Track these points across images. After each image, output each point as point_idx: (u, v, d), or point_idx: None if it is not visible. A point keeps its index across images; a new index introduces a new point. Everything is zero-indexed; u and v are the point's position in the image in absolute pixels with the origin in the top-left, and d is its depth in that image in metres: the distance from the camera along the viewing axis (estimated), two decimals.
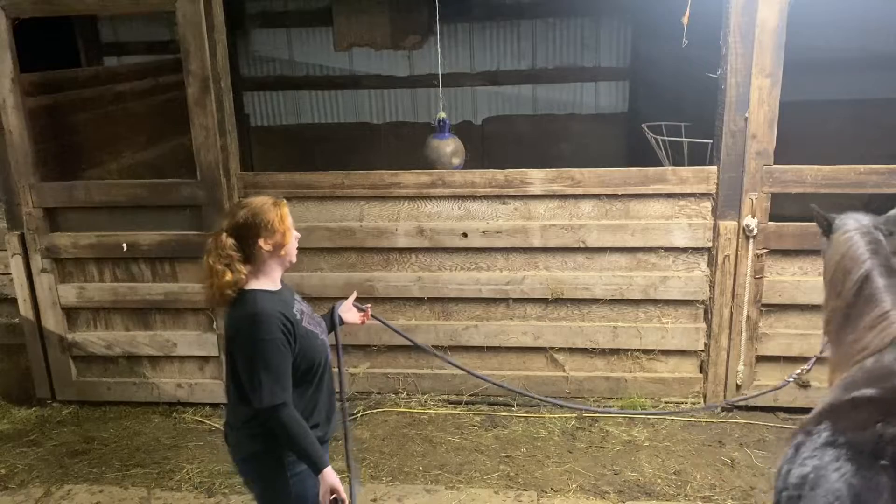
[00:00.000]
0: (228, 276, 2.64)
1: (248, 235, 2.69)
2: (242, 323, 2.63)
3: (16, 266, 5.18)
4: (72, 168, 5.54)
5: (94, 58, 8.74)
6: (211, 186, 4.91)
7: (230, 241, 2.67)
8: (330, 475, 2.70)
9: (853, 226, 2.96)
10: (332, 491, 2.71)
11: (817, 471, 2.32)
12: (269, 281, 2.77)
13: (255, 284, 2.73)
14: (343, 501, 2.75)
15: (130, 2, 4.84)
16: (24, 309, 5.26)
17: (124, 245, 5.05)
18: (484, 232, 4.91)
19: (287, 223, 2.77)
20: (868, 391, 2.48)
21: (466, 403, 5.19)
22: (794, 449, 2.51)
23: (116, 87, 6.48)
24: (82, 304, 5.24)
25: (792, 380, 3.79)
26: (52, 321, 5.27)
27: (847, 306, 2.82)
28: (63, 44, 8.35)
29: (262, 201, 2.75)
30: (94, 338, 5.31)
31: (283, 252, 2.76)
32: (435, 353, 4.44)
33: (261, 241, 2.69)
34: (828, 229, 3.05)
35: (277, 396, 2.61)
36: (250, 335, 2.60)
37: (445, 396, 5.22)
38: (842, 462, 2.24)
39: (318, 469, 2.70)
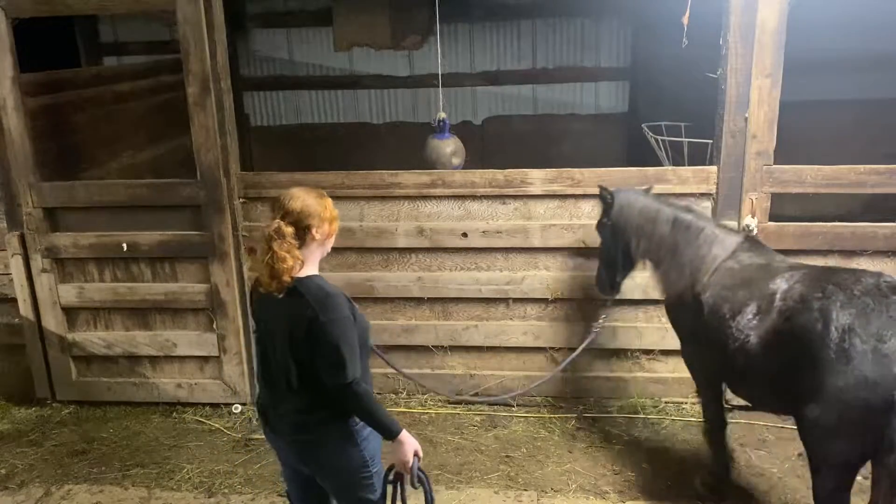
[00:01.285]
0: (289, 262, 2.73)
1: (303, 225, 2.79)
2: (319, 306, 2.71)
3: (16, 266, 5.18)
4: (72, 168, 5.54)
5: (94, 58, 8.74)
6: (211, 186, 4.91)
7: (290, 230, 2.76)
8: (408, 437, 2.82)
9: (636, 193, 4.16)
10: (415, 452, 2.82)
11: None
12: (313, 268, 2.88)
13: (305, 271, 2.82)
14: (420, 460, 2.84)
15: (130, 2, 4.84)
16: (24, 309, 5.26)
17: (124, 245, 5.06)
18: (484, 232, 4.91)
19: (334, 214, 2.90)
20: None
21: (466, 403, 5.19)
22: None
23: (116, 87, 6.48)
24: (82, 304, 5.24)
25: (595, 332, 4.61)
26: (52, 321, 5.27)
27: (664, 241, 3.93)
28: (63, 44, 8.35)
29: (310, 192, 2.85)
30: (94, 338, 5.31)
31: (328, 242, 2.90)
32: (378, 354, 4.47)
33: (313, 231, 2.81)
34: (612, 200, 4.11)
35: (357, 370, 2.75)
36: (330, 316, 2.70)
37: (446, 396, 5.22)
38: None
39: (394, 434, 2.80)
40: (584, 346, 4.67)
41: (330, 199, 2.90)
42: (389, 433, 2.80)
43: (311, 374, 2.78)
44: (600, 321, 4.59)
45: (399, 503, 2.94)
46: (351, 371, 2.71)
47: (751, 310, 3.39)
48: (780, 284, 3.34)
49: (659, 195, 4.32)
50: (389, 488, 2.94)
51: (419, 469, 2.82)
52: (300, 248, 2.79)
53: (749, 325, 3.38)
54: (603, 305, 4.62)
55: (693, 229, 3.88)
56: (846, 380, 2.91)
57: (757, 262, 3.64)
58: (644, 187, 4.37)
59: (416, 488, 2.85)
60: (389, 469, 2.92)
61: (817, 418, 3.03)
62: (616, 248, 4.18)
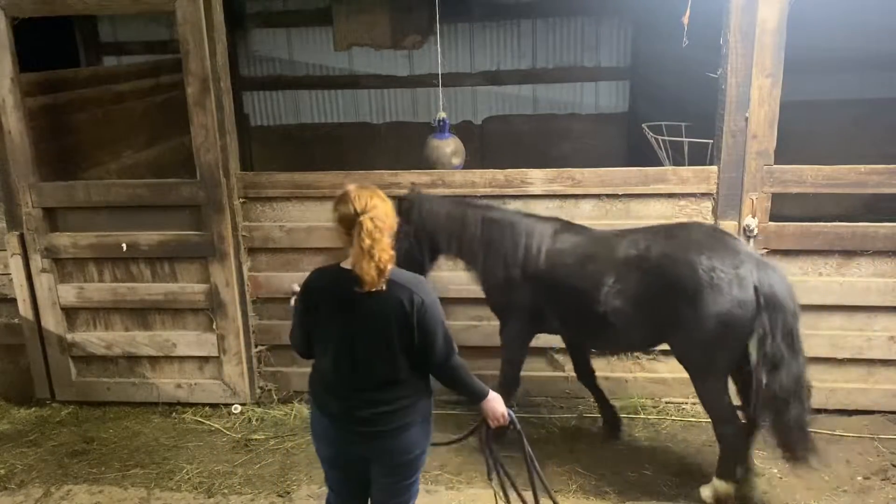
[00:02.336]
0: (390, 254, 2.83)
1: (388, 222, 2.90)
2: (420, 290, 2.87)
3: (15, 266, 5.18)
4: (72, 168, 5.54)
5: (94, 58, 8.74)
6: (211, 186, 4.91)
7: (381, 224, 2.85)
8: (496, 397, 3.08)
9: (437, 199, 4.47)
10: (501, 415, 3.08)
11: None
12: None
13: None
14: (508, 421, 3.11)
15: (130, 2, 4.83)
16: (24, 309, 5.26)
17: (124, 245, 5.05)
18: None
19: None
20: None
21: (467, 404, 5.18)
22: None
23: (116, 87, 6.48)
24: (82, 304, 5.24)
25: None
26: (52, 321, 5.27)
27: (476, 240, 4.27)
28: (63, 44, 8.35)
29: (369, 188, 2.93)
30: (93, 338, 5.30)
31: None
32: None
33: (391, 223, 2.93)
34: (414, 208, 4.33)
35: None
36: (431, 297, 2.90)
37: (447, 397, 5.21)
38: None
39: (486, 394, 3.06)
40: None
41: None
42: (482, 395, 3.06)
43: (415, 360, 2.91)
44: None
45: (489, 455, 3.27)
46: (454, 344, 2.96)
47: (609, 279, 3.90)
48: (629, 251, 3.90)
49: (457, 198, 4.60)
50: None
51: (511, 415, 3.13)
52: None
53: (612, 291, 3.89)
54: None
55: (505, 224, 4.26)
56: (721, 305, 3.63)
57: (582, 239, 4.14)
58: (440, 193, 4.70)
59: (516, 432, 3.19)
60: (480, 425, 3.19)
61: (702, 339, 3.71)
62: (421, 251, 4.39)
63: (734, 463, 3.96)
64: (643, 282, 3.83)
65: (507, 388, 4.45)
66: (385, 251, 2.78)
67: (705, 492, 4.10)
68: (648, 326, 3.92)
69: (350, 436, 2.99)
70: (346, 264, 2.93)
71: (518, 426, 3.19)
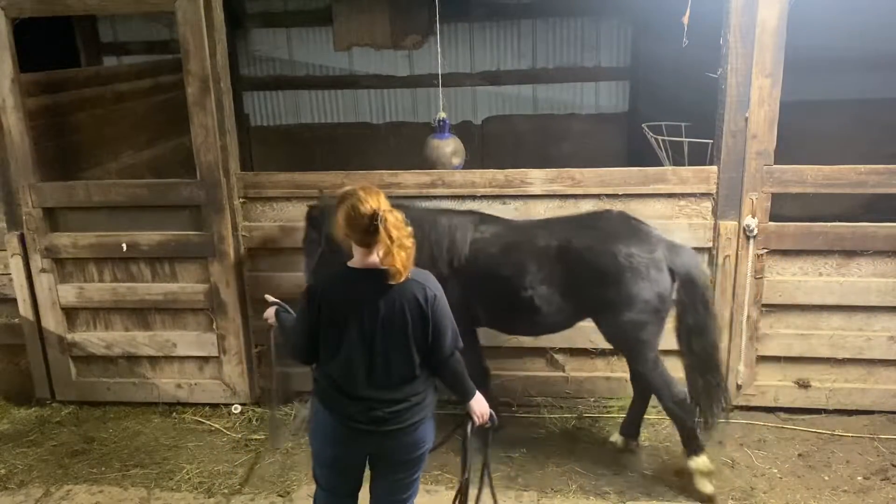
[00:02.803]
0: (413, 246, 2.89)
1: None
2: (431, 284, 2.97)
3: (15, 266, 5.18)
4: (72, 168, 5.54)
5: (94, 58, 8.73)
6: (211, 186, 4.91)
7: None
8: (481, 397, 3.20)
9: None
10: (486, 413, 3.18)
11: None
12: None
13: None
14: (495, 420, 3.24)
15: (130, 2, 4.83)
16: (24, 309, 5.26)
17: (124, 245, 5.05)
18: None
19: None
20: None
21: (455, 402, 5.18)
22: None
23: (116, 87, 6.48)
24: (82, 304, 5.24)
25: None
26: (52, 321, 5.27)
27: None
28: (63, 44, 8.34)
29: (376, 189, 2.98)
30: (93, 338, 5.31)
31: None
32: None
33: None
34: (323, 210, 4.32)
35: None
36: (439, 291, 2.98)
37: (446, 396, 5.21)
38: None
39: (474, 394, 3.17)
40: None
41: None
42: (473, 392, 3.17)
43: (425, 355, 2.98)
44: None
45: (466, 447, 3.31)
46: (460, 338, 3.04)
47: (533, 266, 4.10)
48: (550, 241, 4.13)
49: None
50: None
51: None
52: None
53: (537, 277, 4.10)
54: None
55: (426, 221, 4.27)
56: (641, 287, 3.95)
57: (503, 229, 4.31)
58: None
59: (497, 428, 3.31)
60: (464, 420, 3.25)
61: (631, 319, 4.01)
62: (338, 260, 4.34)
63: (692, 433, 4.14)
64: (567, 270, 4.07)
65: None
66: (411, 243, 2.85)
67: (701, 485, 4.13)
68: (572, 309, 4.19)
69: (362, 436, 3.00)
70: (355, 264, 2.95)
71: (496, 426, 3.29)
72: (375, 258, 2.88)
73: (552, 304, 4.14)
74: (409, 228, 2.89)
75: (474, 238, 4.27)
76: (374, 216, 2.82)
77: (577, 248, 4.06)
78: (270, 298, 3.48)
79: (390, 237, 2.79)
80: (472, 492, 3.50)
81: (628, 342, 4.16)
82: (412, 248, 2.87)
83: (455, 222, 4.34)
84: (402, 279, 2.84)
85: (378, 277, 2.88)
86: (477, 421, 3.21)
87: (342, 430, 3.01)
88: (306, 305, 2.98)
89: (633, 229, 4.09)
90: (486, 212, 4.59)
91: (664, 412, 4.33)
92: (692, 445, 4.15)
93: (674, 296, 4.02)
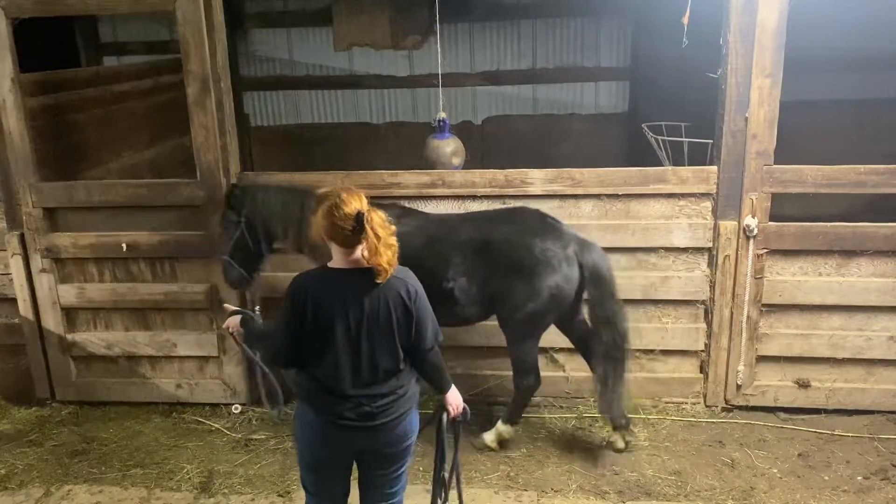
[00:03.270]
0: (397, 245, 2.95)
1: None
2: (413, 280, 3.03)
3: (16, 266, 5.18)
4: (72, 168, 5.54)
5: (94, 58, 8.74)
6: (211, 186, 4.91)
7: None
8: (455, 390, 3.28)
9: (266, 187, 4.62)
10: (460, 405, 3.28)
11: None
12: None
13: None
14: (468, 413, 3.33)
15: (130, 2, 4.83)
16: (24, 309, 5.26)
17: (124, 245, 5.05)
18: None
19: None
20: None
21: (467, 403, 5.17)
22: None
23: (116, 87, 6.48)
24: (82, 304, 5.24)
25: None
26: (52, 321, 5.27)
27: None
28: (63, 44, 8.35)
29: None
30: (93, 338, 5.31)
31: None
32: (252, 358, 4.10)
33: None
34: (246, 197, 4.46)
35: None
36: (420, 286, 3.04)
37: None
38: None
39: (450, 388, 3.26)
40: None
41: None
42: (450, 385, 3.26)
43: (408, 348, 3.02)
44: (256, 310, 4.55)
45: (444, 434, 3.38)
46: (439, 331, 3.11)
47: (456, 259, 4.27)
48: (471, 234, 4.32)
49: (291, 185, 4.68)
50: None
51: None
52: None
53: (459, 269, 4.26)
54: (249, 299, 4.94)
55: None
56: (553, 280, 4.20)
57: (426, 222, 4.46)
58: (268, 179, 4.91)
59: (468, 420, 3.37)
60: (439, 411, 3.34)
61: (535, 310, 4.24)
62: (255, 241, 4.50)
63: (521, 410, 4.62)
64: (486, 262, 4.27)
65: None
66: (395, 241, 2.90)
67: (489, 436, 4.63)
68: (486, 300, 4.37)
69: (351, 432, 3.01)
70: (336, 264, 2.96)
71: (468, 418, 3.38)
72: (357, 258, 2.91)
73: (469, 295, 4.31)
74: (393, 227, 2.93)
75: (398, 231, 4.27)
76: (358, 216, 2.84)
77: (497, 240, 4.26)
78: (230, 307, 3.47)
79: (377, 236, 2.83)
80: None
81: (524, 330, 4.36)
82: (397, 246, 2.91)
83: None
84: (387, 277, 2.88)
85: (362, 276, 2.90)
86: (452, 412, 3.29)
87: (331, 429, 3.01)
88: (290, 309, 2.96)
89: (547, 225, 4.33)
90: (408, 206, 4.73)
91: (514, 390, 4.57)
92: (514, 417, 4.62)
93: (582, 289, 4.32)
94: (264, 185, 4.72)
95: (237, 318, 3.45)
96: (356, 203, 2.87)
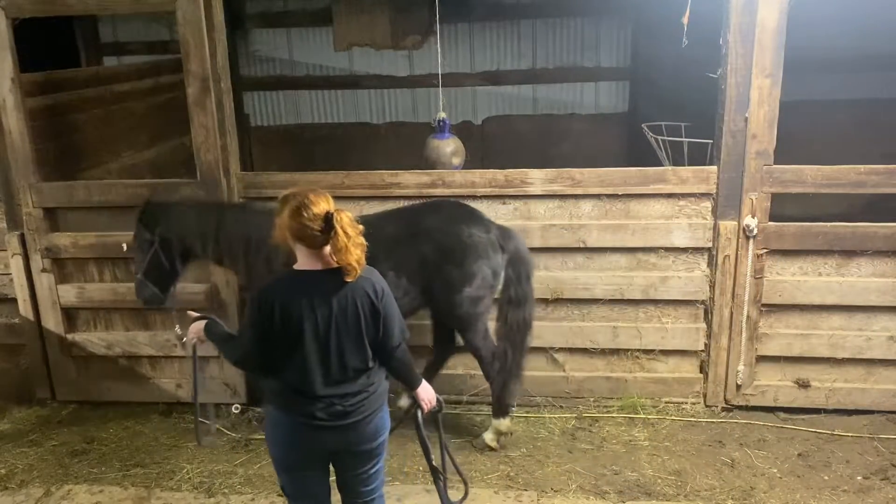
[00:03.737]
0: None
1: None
2: (379, 280, 3.06)
3: (16, 266, 5.18)
4: (72, 168, 5.54)
5: (94, 58, 8.73)
6: (211, 186, 4.91)
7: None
8: (427, 384, 3.33)
9: (180, 204, 4.65)
10: (432, 399, 3.33)
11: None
12: None
13: None
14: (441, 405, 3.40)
15: (130, 2, 4.83)
16: (24, 309, 5.26)
17: (124, 245, 5.04)
18: None
19: None
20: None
21: (467, 403, 5.19)
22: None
23: (116, 87, 6.48)
24: (82, 304, 5.24)
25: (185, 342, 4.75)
26: (52, 321, 5.27)
27: (238, 239, 4.43)
28: (63, 44, 8.34)
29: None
30: (94, 338, 5.31)
31: None
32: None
33: None
34: (161, 216, 4.46)
35: None
36: (385, 285, 3.08)
37: (445, 396, 5.21)
38: None
39: (420, 384, 3.30)
40: (195, 366, 4.24)
41: None
42: (419, 381, 3.30)
43: (376, 346, 3.04)
44: (178, 331, 4.71)
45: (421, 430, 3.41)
46: (406, 329, 3.16)
47: (381, 255, 4.16)
48: (399, 228, 4.39)
49: (206, 201, 4.79)
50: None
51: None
52: None
53: (385, 266, 4.18)
54: (167, 315, 4.88)
55: (264, 218, 4.24)
56: (481, 264, 4.35)
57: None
58: (180, 197, 4.85)
59: (442, 410, 3.44)
60: (412, 409, 3.39)
61: (469, 295, 4.37)
62: (170, 259, 4.48)
63: (507, 398, 4.59)
64: (416, 253, 4.36)
65: None
66: (363, 241, 2.92)
67: (488, 436, 4.66)
68: (417, 292, 4.44)
69: (325, 433, 3.01)
70: (302, 266, 2.96)
71: (443, 409, 3.46)
72: (324, 258, 2.91)
73: (399, 288, 4.33)
74: (361, 227, 2.93)
75: None
76: (327, 217, 2.84)
77: (426, 230, 4.37)
78: (193, 314, 3.44)
79: (347, 235, 2.84)
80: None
81: (464, 316, 4.46)
82: (365, 245, 2.93)
83: None
84: (356, 276, 2.90)
85: (330, 277, 2.91)
86: (425, 407, 3.33)
87: (304, 430, 3.01)
88: (258, 313, 2.94)
89: (471, 213, 4.51)
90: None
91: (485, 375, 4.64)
92: (502, 409, 4.61)
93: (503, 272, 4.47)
94: (178, 202, 4.72)
95: (201, 323, 3.37)
96: (324, 204, 2.87)
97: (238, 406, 5.27)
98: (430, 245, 4.35)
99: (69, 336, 5.31)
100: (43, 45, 6.47)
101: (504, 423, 4.64)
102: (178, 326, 4.61)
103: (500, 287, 4.49)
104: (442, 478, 3.55)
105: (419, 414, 3.36)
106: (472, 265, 4.35)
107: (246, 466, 4.60)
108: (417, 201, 4.84)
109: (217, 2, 4.72)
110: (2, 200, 5.17)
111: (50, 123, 5.35)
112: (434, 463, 3.49)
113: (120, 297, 5.18)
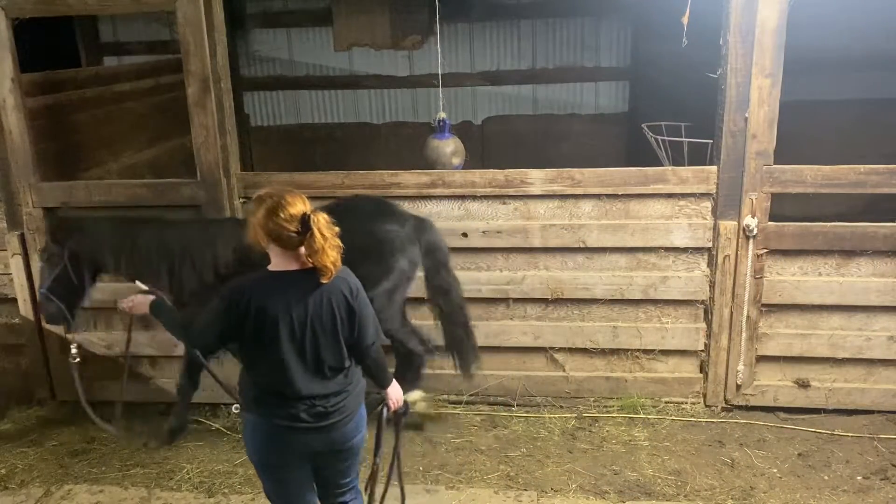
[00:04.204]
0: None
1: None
2: (353, 279, 3.08)
3: (16, 266, 5.18)
4: (72, 168, 5.54)
5: (94, 58, 8.73)
6: (211, 186, 4.91)
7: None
8: (397, 385, 3.39)
9: (93, 219, 4.65)
10: (401, 399, 3.40)
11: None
12: None
13: None
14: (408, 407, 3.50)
15: (130, 2, 4.83)
16: (24, 309, 5.26)
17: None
18: (484, 232, 4.91)
19: None
20: None
21: (466, 403, 5.19)
22: None
23: (116, 87, 6.48)
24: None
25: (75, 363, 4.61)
26: None
27: (156, 251, 4.38)
28: (63, 44, 8.34)
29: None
30: (94, 338, 5.30)
31: None
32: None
33: None
34: (72, 230, 4.41)
35: None
36: (360, 283, 3.10)
37: (445, 396, 5.22)
38: None
39: (391, 383, 3.36)
40: (77, 384, 4.54)
41: None
42: (391, 380, 3.36)
43: (351, 345, 3.06)
44: (73, 351, 4.55)
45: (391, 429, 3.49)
46: (380, 327, 3.22)
47: None
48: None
49: (120, 215, 4.79)
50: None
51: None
52: None
53: None
54: (68, 333, 4.73)
55: (186, 232, 4.47)
56: (398, 258, 4.49)
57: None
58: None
59: (406, 414, 3.53)
60: (380, 405, 3.44)
61: (387, 288, 4.49)
62: (79, 275, 4.38)
63: (420, 374, 4.81)
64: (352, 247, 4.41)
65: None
66: (339, 242, 2.94)
67: (419, 406, 4.78)
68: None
69: (307, 434, 3.00)
70: (275, 267, 2.95)
71: (408, 412, 3.56)
72: (299, 259, 2.91)
73: None
74: (337, 228, 2.94)
75: (237, 245, 4.25)
76: (304, 218, 2.83)
77: (342, 231, 4.24)
78: (142, 286, 3.42)
79: (324, 236, 2.84)
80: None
81: (383, 309, 4.51)
82: (342, 246, 2.94)
83: (218, 230, 4.49)
84: (332, 277, 2.90)
85: (304, 277, 2.91)
86: (392, 406, 3.39)
87: (285, 432, 2.99)
88: (227, 312, 2.93)
89: (387, 208, 4.62)
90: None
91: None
92: (416, 383, 4.79)
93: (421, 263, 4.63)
94: (89, 216, 4.70)
95: (147, 298, 3.30)
96: (301, 205, 2.87)
97: (237, 406, 5.26)
98: (347, 245, 4.25)
99: (69, 336, 5.30)
100: (43, 45, 6.46)
101: (417, 394, 4.77)
102: (73, 346, 4.50)
103: (415, 277, 4.64)
104: (376, 479, 3.53)
105: (384, 412, 3.42)
106: (389, 259, 4.47)
107: (246, 466, 4.60)
108: (331, 201, 4.72)
109: (217, 2, 4.72)
110: (2, 200, 5.16)
111: (50, 123, 5.35)
112: (379, 461, 3.49)
113: (120, 297, 5.16)
